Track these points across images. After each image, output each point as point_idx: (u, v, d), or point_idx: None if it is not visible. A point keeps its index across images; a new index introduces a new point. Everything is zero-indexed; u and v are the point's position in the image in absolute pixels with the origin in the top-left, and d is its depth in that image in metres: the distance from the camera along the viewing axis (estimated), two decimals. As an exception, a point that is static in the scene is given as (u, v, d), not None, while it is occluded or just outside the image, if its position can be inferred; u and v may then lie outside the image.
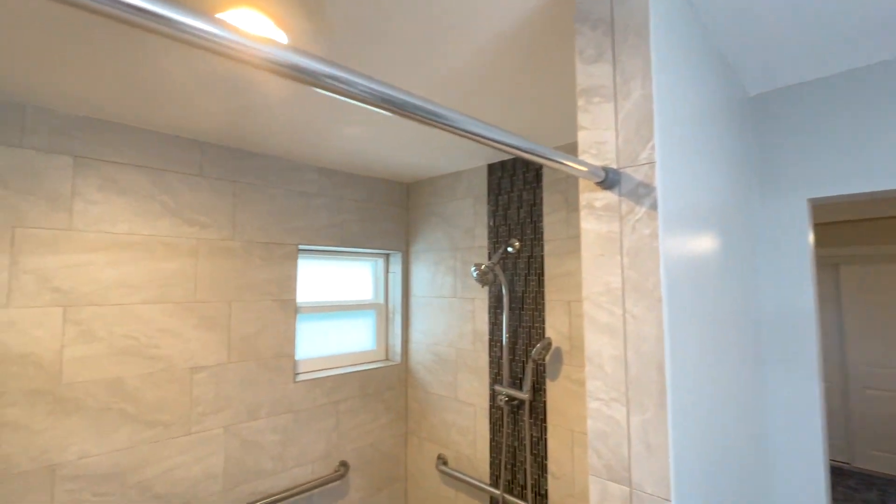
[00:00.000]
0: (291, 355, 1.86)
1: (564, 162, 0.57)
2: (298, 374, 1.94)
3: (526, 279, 1.78)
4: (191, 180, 1.61)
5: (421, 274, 2.26)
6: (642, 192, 0.65)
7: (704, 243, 0.79)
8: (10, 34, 0.97)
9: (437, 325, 2.15)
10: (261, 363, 1.76)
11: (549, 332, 1.69)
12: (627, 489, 0.65)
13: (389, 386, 2.21)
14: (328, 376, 1.98)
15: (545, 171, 1.75)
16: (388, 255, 2.40)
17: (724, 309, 0.87)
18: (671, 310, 0.64)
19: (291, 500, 1.80)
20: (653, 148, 0.64)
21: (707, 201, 0.82)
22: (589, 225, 0.71)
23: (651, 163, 0.64)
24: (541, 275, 1.73)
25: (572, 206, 1.66)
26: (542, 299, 1.72)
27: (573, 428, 1.60)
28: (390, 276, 2.38)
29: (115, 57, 1.06)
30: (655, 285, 0.63)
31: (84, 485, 1.35)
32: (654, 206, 0.64)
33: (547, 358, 1.68)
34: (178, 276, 1.57)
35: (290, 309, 1.87)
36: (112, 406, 1.41)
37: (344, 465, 1.98)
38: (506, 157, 1.88)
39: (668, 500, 0.61)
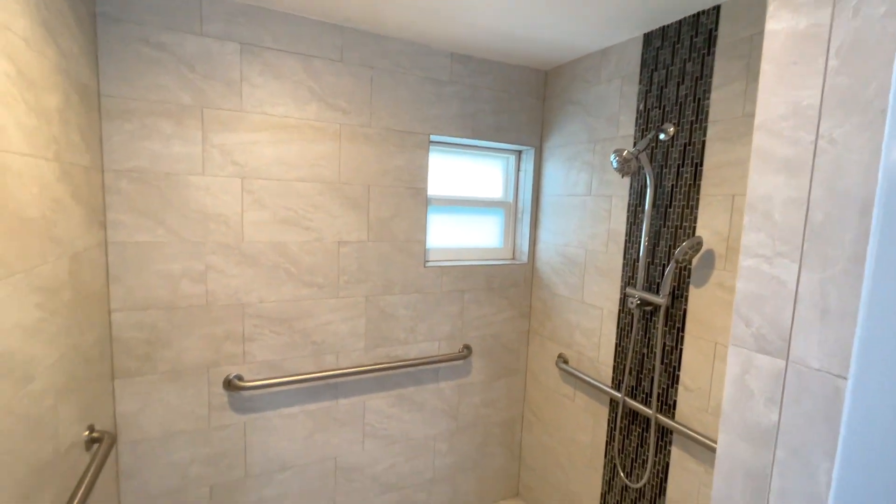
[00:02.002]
0: (422, 242, 1.97)
1: None
2: (428, 260, 2.06)
3: (678, 171, 1.51)
4: (333, 66, 1.70)
5: (553, 171, 2.11)
6: (882, -50, 0.43)
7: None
8: None
9: (567, 225, 2.03)
10: (395, 245, 1.91)
11: (700, 232, 1.44)
12: (782, 363, 0.52)
13: (514, 283, 2.22)
14: (455, 266, 2.06)
15: (722, 32, 1.38)
16: (519, 153, 2.28)
17: None
18: (900, 130, 0.44)
19: (420, 367, 2.02)
20: None
21: None
22: (780, 24, 0.52)
23: None
24: (698, 165, 1.45)
25: (755, 75, 1.30)
26: (697, 194, 1.46)
27: (717, 340, 1.40)
28: (521, 174, 2.28)
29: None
30: (879, 92, 0.44)
31: (264, 322, 1.69)
32: (900, -33, 0.42)
33: (694, 260, 1.45)
34: (325, 159, 1.72)
35: (422, 198, 1.94)
36: (279, 265, 1.70)
37: (467, 348, 2.11)
38: (668, 20, 1.53)
39: (842, 377, 0.47)
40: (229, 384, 1.64)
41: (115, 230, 1.44)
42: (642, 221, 1.65)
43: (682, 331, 1.51)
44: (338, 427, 1.88)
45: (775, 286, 0.53)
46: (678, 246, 1.51)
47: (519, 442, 2.37)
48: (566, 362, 2.03)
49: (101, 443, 1.22)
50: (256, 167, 1.61)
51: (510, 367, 2.28)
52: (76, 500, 0.98)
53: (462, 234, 2.20)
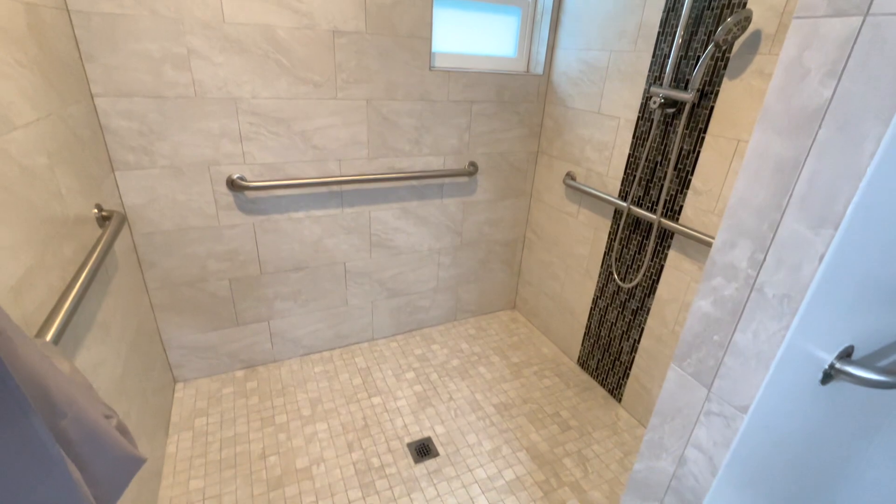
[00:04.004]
0: (427, 39, 1.75)
1: None
2: (434, 65, 1.87)
3: (741, -72, 1.24)
4: None
5: (584, -47, 1.77)
6: None
7: None
8: None
9: (592, 22, 1.78)
10: (397, 41, 1.70)
11: (751, 6, 1.24)
12: (857, 20, 0.44)
13: (526, 98, 2.06)
14: (463, 72, 1.88)
15: None
16: (545, -69, 1.89)
17: None
18: None
19: (425, 181, 1.99)
20: None
21: None
22: None
23: None
24: (769, -85, 1.17)
25: None
26: (758, -41, 1.21)
27: (740, 137, 1.32)
28: (545, -39, 1.93)
29: None
30: None
31: (260, 121, 1.60)
32: None
33: (737, 44, 1.28)
34: (309, -85, 1.42)
35: (427, -19, 1.66)
36: (269, 55, 1.53)
37: (473, 165, 2.06)
38: None
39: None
40: (233, 184, 1.63)
41: (73, -6, 1.25)
42: (682, 6, 1.42)
43: (704, 132, 1.42)
44: (345, 234, 1.94)
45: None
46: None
47: (519, 260, 2.49)
48: (574, 179, 1.99)
49: (110, 220, 1.25)
50: (227, -79, 1.33)
51: (516, 189, 2.26)
52: (95, 254, 1.02)
53: (472, 40, 1.96)
